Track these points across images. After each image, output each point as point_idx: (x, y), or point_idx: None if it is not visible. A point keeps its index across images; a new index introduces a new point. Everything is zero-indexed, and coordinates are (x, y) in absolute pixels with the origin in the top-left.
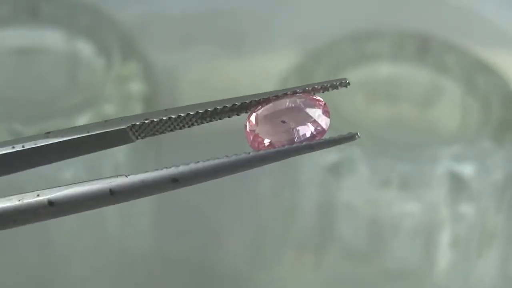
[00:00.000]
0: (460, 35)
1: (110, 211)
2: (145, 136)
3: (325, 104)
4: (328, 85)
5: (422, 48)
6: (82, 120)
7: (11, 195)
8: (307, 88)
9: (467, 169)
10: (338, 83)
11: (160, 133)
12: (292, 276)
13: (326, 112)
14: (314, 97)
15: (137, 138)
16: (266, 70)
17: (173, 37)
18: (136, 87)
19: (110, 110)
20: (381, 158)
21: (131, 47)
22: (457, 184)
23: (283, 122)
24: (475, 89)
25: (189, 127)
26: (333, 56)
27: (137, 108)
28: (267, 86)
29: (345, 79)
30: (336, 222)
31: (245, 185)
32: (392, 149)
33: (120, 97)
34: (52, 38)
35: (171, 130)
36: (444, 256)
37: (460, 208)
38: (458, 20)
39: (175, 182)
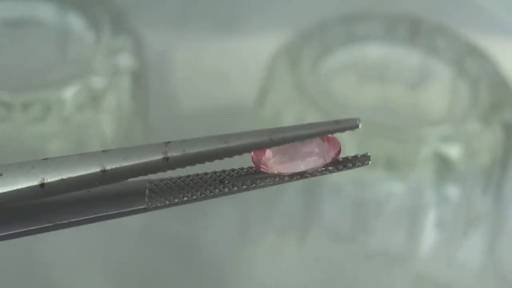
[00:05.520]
0: (450, 19)
1: None
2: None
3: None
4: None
5: (413, 30)
6: (70, 91)
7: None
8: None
9: (453, 151)
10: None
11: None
12: (276, 255)
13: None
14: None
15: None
16: (256, 49)
17: (165, 14)
18: (125, 61)
19: (98, 83)
20: (368, 138)
21: (121, 22)
22: (444, 165)
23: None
24: (465, 72)
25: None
26: (323, 37)
27: (125, 82)
28: (257, 65)
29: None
30: (321, 202)
31: (231, 165)
32: (379, 129)
33: (109, 70)
34: (43, 11)
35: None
36: (429, 238)
37: (446, 190)
38: (449, 4)
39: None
